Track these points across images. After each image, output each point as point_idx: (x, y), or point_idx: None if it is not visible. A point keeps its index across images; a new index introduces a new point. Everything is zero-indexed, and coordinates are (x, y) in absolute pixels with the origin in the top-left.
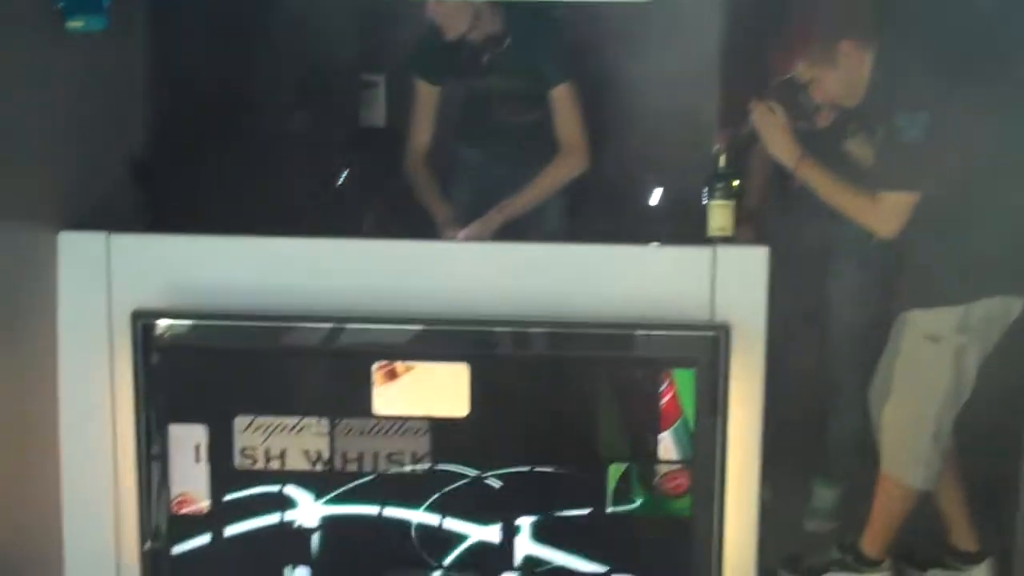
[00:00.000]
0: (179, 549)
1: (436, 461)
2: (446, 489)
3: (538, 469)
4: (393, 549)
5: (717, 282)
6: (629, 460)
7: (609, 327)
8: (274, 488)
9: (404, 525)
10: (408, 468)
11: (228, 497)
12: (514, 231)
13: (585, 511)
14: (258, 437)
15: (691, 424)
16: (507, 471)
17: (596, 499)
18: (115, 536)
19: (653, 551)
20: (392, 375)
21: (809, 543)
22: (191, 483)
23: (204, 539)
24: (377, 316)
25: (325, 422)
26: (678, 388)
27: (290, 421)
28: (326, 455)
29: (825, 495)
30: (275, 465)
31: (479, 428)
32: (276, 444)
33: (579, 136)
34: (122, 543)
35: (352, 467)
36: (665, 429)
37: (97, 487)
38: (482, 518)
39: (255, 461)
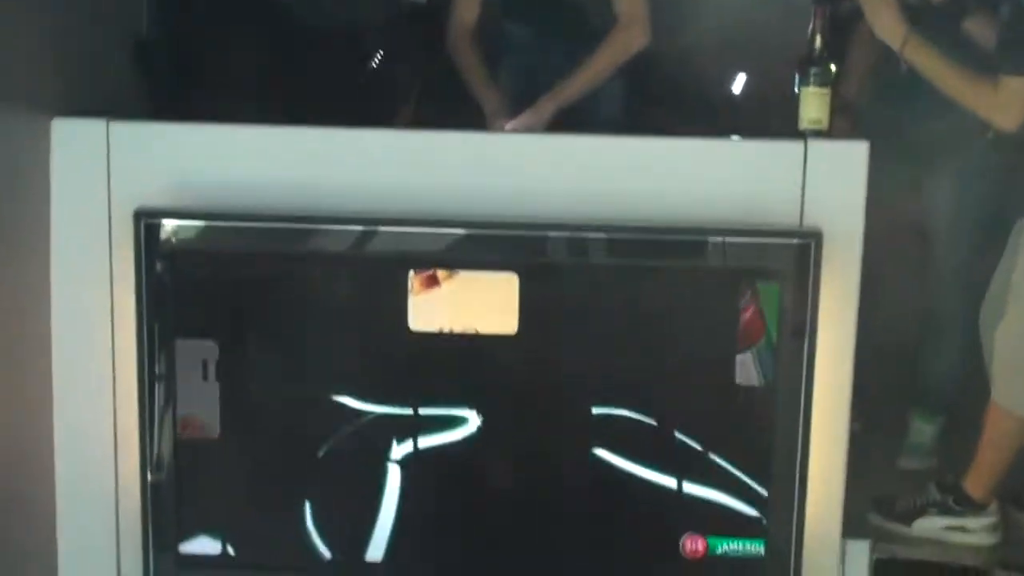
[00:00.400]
0: (185, 478)
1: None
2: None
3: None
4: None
5: (808, 182)
6: (702, 385)
7: (681, 232)
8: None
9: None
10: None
11: (240, 421)
12: (570, 120)
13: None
14: (276, 355)
15: (774, 345)
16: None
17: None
18: (113, 464)
19: (727, 483)
20: (432, 282)
21: (904, 483)
22: (199, 405)
23: (213, 468)
24: (413, 218)
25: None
26: (760, 304)
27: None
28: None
29: (923, 429)
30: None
31: (530, 348)
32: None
33: (640, 6)
34: (122, 472)
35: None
36: (744, 350)
37: (94, 409)
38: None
39: (271, 381)
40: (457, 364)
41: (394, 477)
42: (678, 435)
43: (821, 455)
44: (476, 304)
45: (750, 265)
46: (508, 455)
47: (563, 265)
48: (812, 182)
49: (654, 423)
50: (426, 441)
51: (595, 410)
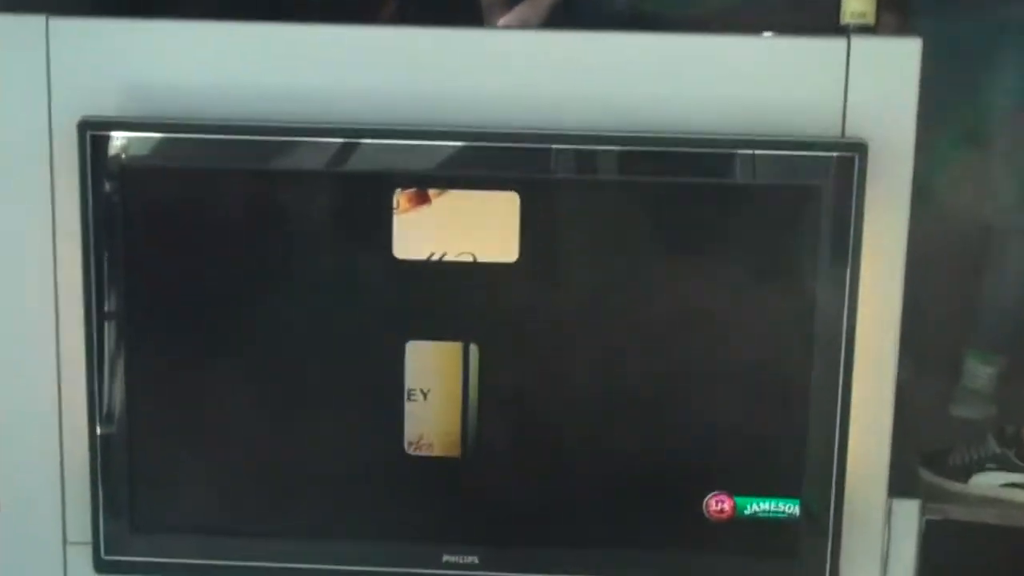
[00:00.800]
0: (139, 432)
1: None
2: None
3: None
4: None
5: (851, 85)
6: (726, 320)
7: (704, 144)
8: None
9: None
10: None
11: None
12: (576, 13)
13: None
14: (242, 287)
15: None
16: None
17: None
18: (57, 415)
19: (756, 434)
20: (421, 199)
21: (958, 434)
22: None
23: (170, 419)
24: (399, 129)
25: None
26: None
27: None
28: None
29: (980, 372)
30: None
31: (531, 277)
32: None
33: None
34: (67, 424)
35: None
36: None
37: (34, 353)
38: None
39: (237, 318)
40: (448, 297)
41: None
42: (698, 378)
43: (864, 401)
44: (470, 228)
45: (784, 182)
46: (506, 401)
47: (570, 182)
48: (856, 85)
49: (671, 364)
50: None
51: (604, 350)
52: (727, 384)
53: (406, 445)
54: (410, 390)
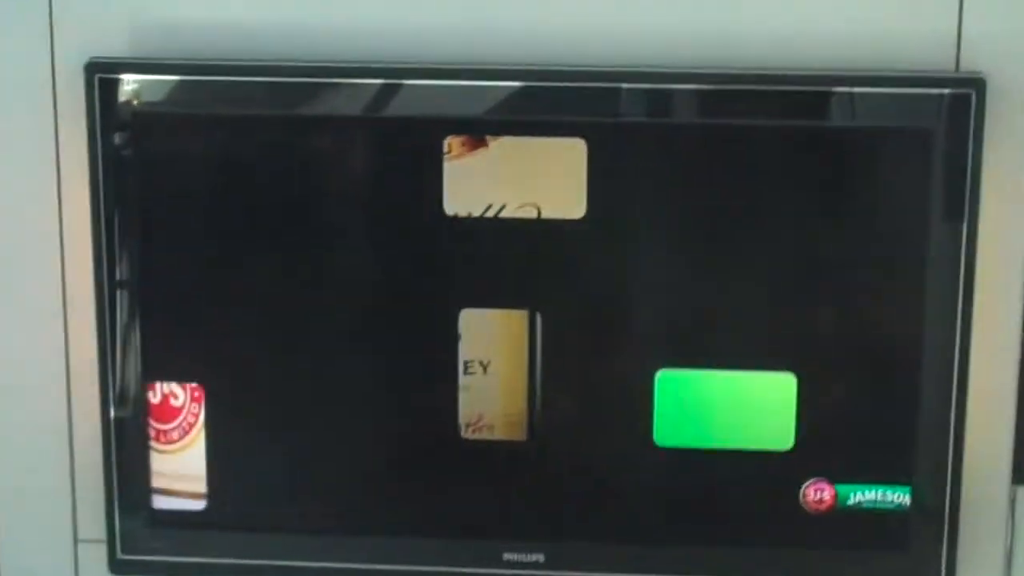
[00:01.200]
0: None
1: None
2: None
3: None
4: None
5: (966, 12)
6: (823, 282)
7: (795, 81)
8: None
9: None
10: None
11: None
12: None
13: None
14: (270, 251)
15: (923, 230)
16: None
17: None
18: (66, 397)
19: (859, 412)
20: (477, 144)
21: None
22: None
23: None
24: (449, 68)
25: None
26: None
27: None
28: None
29: None
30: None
31: (601, 235)
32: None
33: None
34: (77, 407)
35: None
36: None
37: (38, 326)
38: None
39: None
40: (506, 258)
41: None
42: (791, 350)
43: (984, 375)
44: (533, 178)
45: (888, 124)
46: (577, 377)
47: (644, 127)
48: (972, 12)
49: (760, 334)
50: None
51: (687, 318)
52: (824, 357)
53: (462, 427)
54: (467, 362)
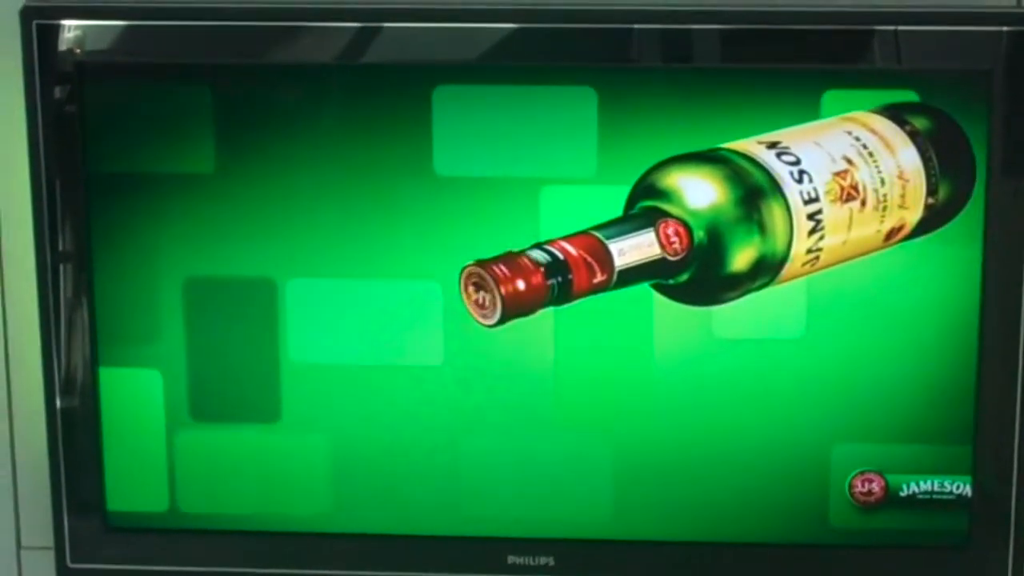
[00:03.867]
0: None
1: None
2: None
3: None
4: None
5: None
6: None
7: (831, 19)
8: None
9: None
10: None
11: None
12: None
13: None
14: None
15: (982, 184)
16: None
17: None
18: (6, 387)
19: (912, 393)
20: None
21: None
22: None
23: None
24: (436, 8)
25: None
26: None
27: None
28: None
29: None
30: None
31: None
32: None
33: None
34: (17, 397)
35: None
36: (932, 193)
37: None
38: None
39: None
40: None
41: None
42: (836, 323)
43: None
44: (533, 126)
45: (938, 66)
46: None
47: (658, 73)
48: None
49: (800, 306)
50: None
51: (707, 283)
52: (873, 330)
53: None
54: None
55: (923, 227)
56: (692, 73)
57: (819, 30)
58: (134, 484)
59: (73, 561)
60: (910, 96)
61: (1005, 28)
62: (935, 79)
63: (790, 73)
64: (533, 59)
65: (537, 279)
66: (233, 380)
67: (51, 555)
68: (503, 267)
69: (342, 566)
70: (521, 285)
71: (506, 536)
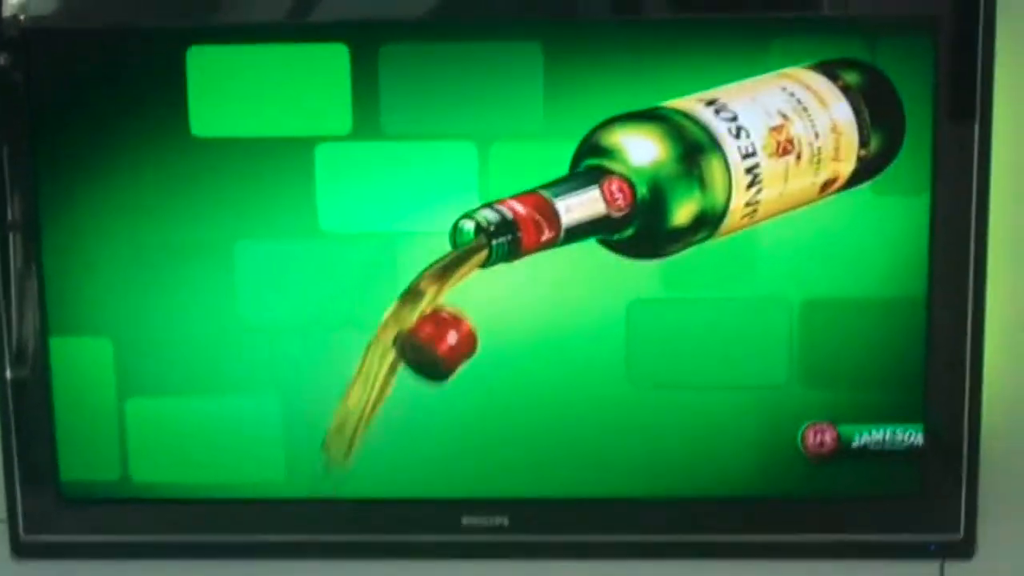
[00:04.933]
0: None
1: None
2: None
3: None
4: None
5: None
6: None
7: None
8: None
9: None
10: None
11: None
12: None
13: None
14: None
15: (927, 136)
16: None
17: None
18: None
19: (861, 341)
20: None
21: None
22: None
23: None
24: None
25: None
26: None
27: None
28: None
29: None
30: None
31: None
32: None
33: None
34: None
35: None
36: (864, 145)
37: None
38: None
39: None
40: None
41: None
42: (784, 275)
43: (1003, 297)
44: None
45: (885, 13)
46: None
47: (603, 24)
48: None
49: (749, 260)
50: None
51: (650, 237)
52: (821, 280)
53: None
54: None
55: (856, 178)
56: (639, 26)
57: None
58: (86, 454)
59: (27, 533)
60: (856, 46)
61: None
62: (882, 28)
63: (737, 23)
64: (480, 14)
65: (465, 327)
66: (183, 347)
67: (3, 528)
68: (428, 328)
69: (295, 531)
70: (452, 339)
71: (460, 497)
